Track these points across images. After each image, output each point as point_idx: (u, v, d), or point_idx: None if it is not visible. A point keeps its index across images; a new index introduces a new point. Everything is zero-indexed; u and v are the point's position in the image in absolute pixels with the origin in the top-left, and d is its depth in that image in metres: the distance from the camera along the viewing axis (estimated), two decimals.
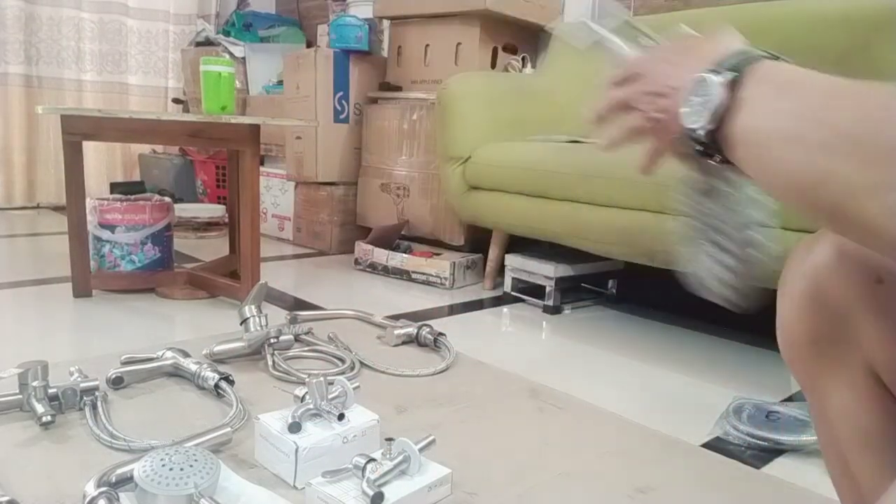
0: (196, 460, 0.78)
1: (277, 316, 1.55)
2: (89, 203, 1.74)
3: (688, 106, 0.46)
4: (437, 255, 2.16)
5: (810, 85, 0.40)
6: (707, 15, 1.97)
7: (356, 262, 2.23)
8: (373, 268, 2.18)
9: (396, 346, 1.43)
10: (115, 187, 2.91)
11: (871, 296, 0.46)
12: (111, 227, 1.76)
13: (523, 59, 2.34)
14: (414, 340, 1.45)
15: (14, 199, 3.15)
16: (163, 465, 0.76)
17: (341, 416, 0.89)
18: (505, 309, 1.87)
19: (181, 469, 0.76)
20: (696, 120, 0.45)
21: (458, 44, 2.28)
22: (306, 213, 2.60)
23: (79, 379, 1.03)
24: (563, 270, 1.84)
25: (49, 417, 0.95)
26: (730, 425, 1.09)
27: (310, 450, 0.84)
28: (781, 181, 0.40)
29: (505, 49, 2.34)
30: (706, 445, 1.05)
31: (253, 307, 1.30)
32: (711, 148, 0.46)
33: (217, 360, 1.25)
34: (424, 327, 1.45)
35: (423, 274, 2.05)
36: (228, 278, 1.78)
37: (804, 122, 0.38)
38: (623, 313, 1.87)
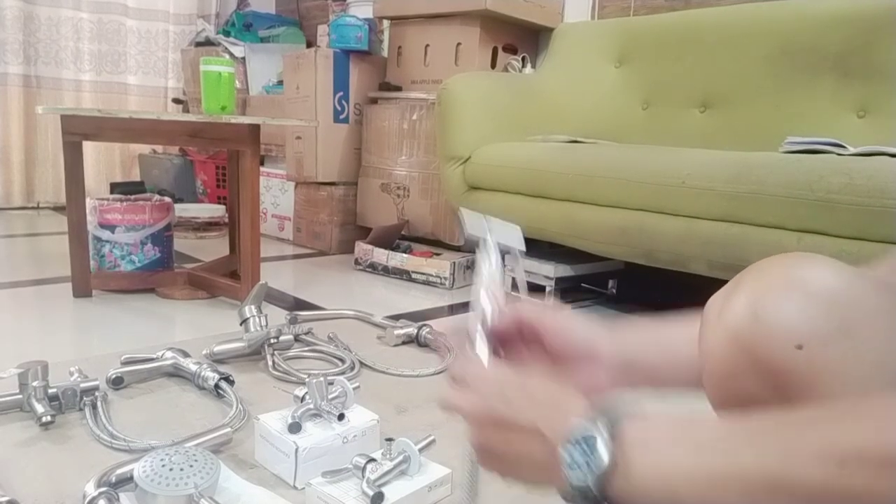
0: (196, 460, 0.78)
1: (277, 316, 1.55)
2: (89, 203, 1.74)
3: (569, 459, 0.42)
4: (437, 255, 2.16)
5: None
6: (707, 15, 1.96)
7: (356, 262, 2.23)
8: (373, 268, 2.18)
9: (396, 346, 1.43)
10: (114, 187, 2.91)
11: (792, 361, 0.42)
12: (111, 227, 1.76)
13: (523, 59, 2.34)
14: (414, 340, 1.45)
15: (13, 199, 3.15)
16: (163, 466, 0.76)
17: (341, 417, 0.89)
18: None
19: (181, 469, 0.76)
20: (582, 478, 0.41)
21: (458, 44, 2.28)
22: (306, 213, 2.60)
23: (79, 379, 1.03)
24: (563, 270, 1.84)
25: (49, 417, 0.95)
26: None
27: (310, 450, 0.84)
28: None
29: (505, 49, 2.34)
30: None
31: (253, 307, 1.30)
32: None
33: (217, 360, 1.25)
34: (424, 327, 1.45)
35: (423, 274, 2.05)
36: (228, 278, 1.78)
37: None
38: (623, 313, 1.86)
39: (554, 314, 0.62)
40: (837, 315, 0.41)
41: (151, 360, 1.18)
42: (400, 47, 2.45)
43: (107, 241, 1.77)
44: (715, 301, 0.50)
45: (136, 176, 3.41)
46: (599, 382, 0.58)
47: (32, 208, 3.21)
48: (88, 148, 2.90)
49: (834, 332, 0.41)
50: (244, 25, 3.37)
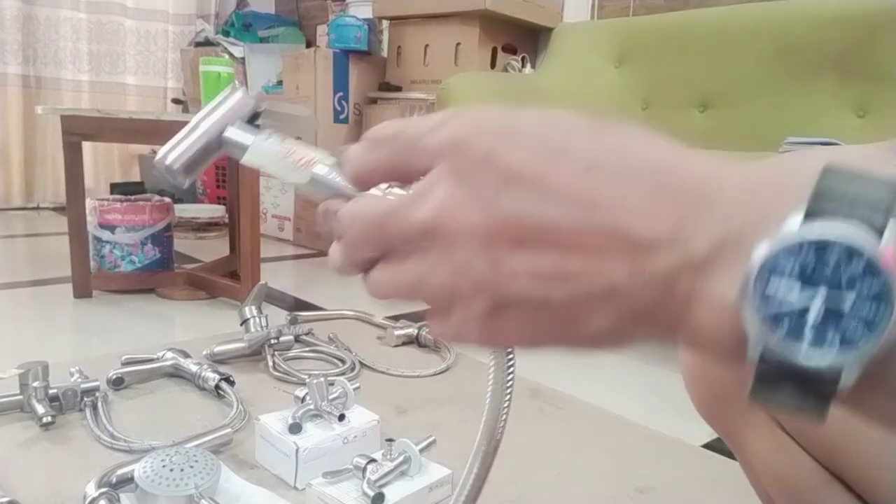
0: (196, 461, 0.78)
1: (278, 316, 1.55)
2: (89, 203, 1.74)
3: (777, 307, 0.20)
4: None
5: None
6: (707, 15, 1.96)
7: None
8: None
9: (396, 346, 1.43)
10: (114, 188, 2.91)
11: None
12: (111, 228, 1.76)
13: (523, 59, 2.34)
14: (414, 341, 1.45)
15: (13, 200, 3.15)
16: (163, 466, 0.76)
17: (342, 417, 0.89)
18: None
19: (181, 470, 0.76)
20: (837, 354, 0.20)
21: (458, 44, 2.28)
22: (306, 213, 2.60)
23: (79, 380, 1.03)
24: None
25: (49, 418, 0.95)
26: None
27: (310, 450, 0.84)
28: None
29: (505, 49, 2.34)
30: (706, 446, 1.05)
31: (253, 308, 1.30)
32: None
33: (217, 360, 1.25)
34: (424, 328, 1.45)
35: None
36: (228, 279, 1.78)
37: None
38: None
39: None
40: None
41: (152, 360, 1.18)
42: (399, 47, 2.45)
43: (107, 242, 1.77)
44: None
45: (135, 176, 3.40)
46: None
47: (32, 209, 3.21)
48: (88, 148, 2.89)
49: None
50: (243, 25, 3.37)
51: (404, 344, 1.45)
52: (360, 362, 1.30)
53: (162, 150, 0.39)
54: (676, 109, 1.98)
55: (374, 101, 2.46)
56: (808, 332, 0.20)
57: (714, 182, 0.23)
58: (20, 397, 0.99)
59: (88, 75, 3.28)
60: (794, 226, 0.20)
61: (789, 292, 0.20)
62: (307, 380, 0.91)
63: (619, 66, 2.16)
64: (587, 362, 1.44)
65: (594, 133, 0.25)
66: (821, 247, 0.20)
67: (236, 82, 0.41)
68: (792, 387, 0.21)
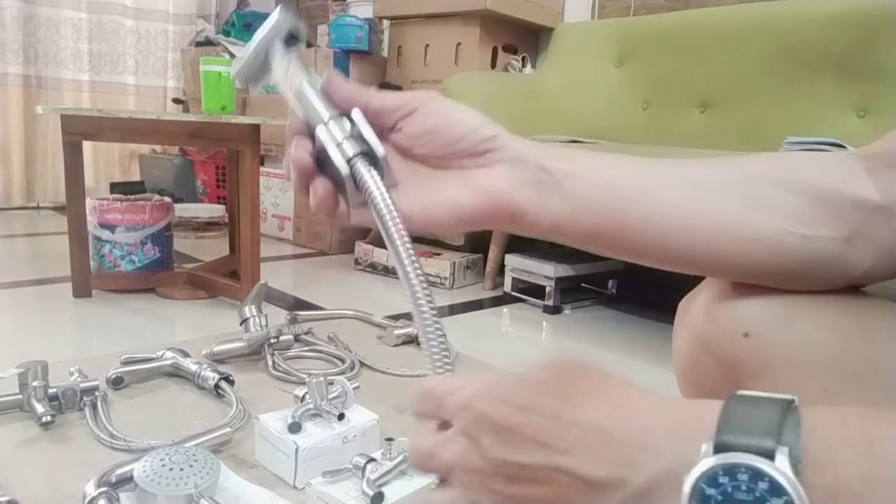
0: (196, 460, 0.78)
1: (277, 316, 1.55)
2: (89, 203, 1.74)
3: None
4: (437, 254, 2.15)
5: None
6: (707, 15, 1.96)
7: (356, 262, 2.23)
8: (373, 268, 2.18)
9: (396, 346, 1.43)
10: (114, 187, 2.91)
11: (740, 347, 0.45)
12: (111, 227, 1.76)
13: (523, 59, 2.34)
14: (414, 340, 1.45)
15: (13, 200, 3.15)
16: (163, 465, 0.76)
17: (341, 416, 0.89)
18: (505, 309, 1.87)
19: (181, 469, 0.76)
20: None
21: (458, 44, 2.28)
22: (306, 213, 2.60)
23: (79, 379, 1.03)
24: (563, 270, 1.84)
25: (49, 417, 0.95)
26: None
27: (310, 450, 0.84)
28: None
29: (505, 49, 2.34)
30: None
31: (253, 307, 1.30)
32: None
33: (217, 360, 1.25)
34: None
35: (424, 274, 2.04)
36: (228, 278, 1.78)
37: None
38: (623, 313, 1.87)
39: (423, 94, 0.43)
40: (779, 306, 0.44)
41: (151, 360, 1.18)
42: (400, 47, 2.45)
43: (107, 241, 1.77)
44: (682, 304, 0.54)
45: (135, 176, 3.40)
46: (499, 189, 0.42)
47: (32, 208, 3.21)
48: (88, 148, 2.90)
49: (776, 320, 0.44)
50: (244, 25, 3.37)
51: (404, 343, 1.45)
52: (359, 362, 1.30)
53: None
54: (676, 109, 1.98)
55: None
56: None
57: (649, 429, 0.30)
58: (20, 397, 0.99)
59: (89, 75, 3.28)
60: (707, 458, 0.26)
61: None
62: (307, 379, 0.91)
63: (620, 66, 2.16)
64: None
65: (557, 391, 0.33)
66: (729, 470, 0.26)
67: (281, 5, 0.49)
68: None
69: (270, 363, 1.24)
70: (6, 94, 3.06)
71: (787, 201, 0.41)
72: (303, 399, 0.90)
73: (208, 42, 3.26)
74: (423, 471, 0.37)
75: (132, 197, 1.86)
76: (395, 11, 2.42)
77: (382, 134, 0.43)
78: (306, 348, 1.36)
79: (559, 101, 2.16)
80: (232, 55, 3.07)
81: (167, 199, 1.89)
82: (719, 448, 0.26)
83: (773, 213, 0.41)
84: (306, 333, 1.41)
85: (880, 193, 0.41)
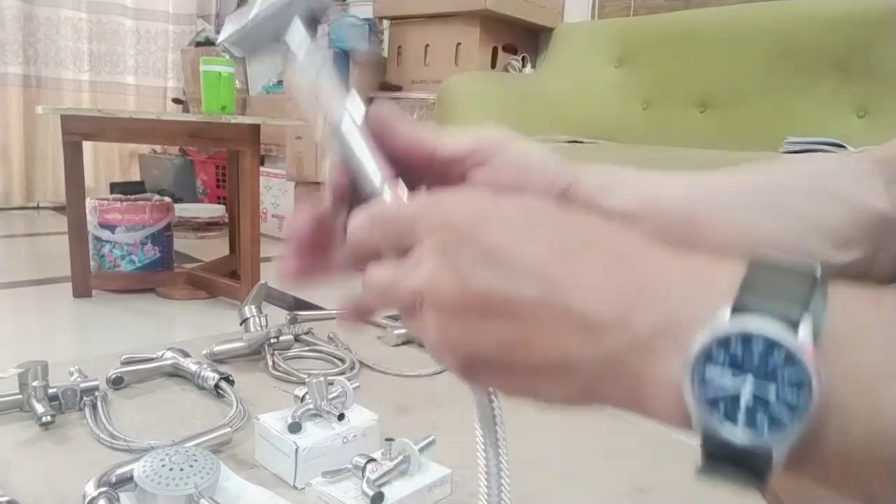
0: (196, 460, 0.78)
1: (277, 316, 1.55)
2: (89, 203, 1.74)
3: (713, 392, 0.23)
4: None
5: None
6: (707, 15, 1.96)
7: None
8: None
9: (396, 346, 1.43)
10: (114, 187, 2.91)
11: None
12: (111, 227, 1.76)
13: (523, 59, 2.34)
14: (414, 340, 1.45)
15: (13, 199, 3.15)
16: (163, 466, 0.76)
17: (341, 417, 0.89)
18: None
19: (181, 469, 0.76)
20: (767, 434, 0.23)
21: (458, 44, 2.28)
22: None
23: (79, 379, 1.03)
24: None
25: (49, 417, 0.95)
26: None
27: (310, 450, 0.84)
28: None
29: (505, 49, 2.34)
30: None
31: (253, 307, 1.30)
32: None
33: (217, 360, 1.25)
34: None
35: None
36: (228, 278, 1.78)
37: None
38: None
39: (497, 135, 0.37)
40: None
41: (151, 360, 1.18)
42: (400, 47, 2.45)
43: (107, 241, 1.77)
44: None
45: (135, 176, 3.40)
46: None
47: (32, 208, 3.21)
48: (88, 148, 2.90)
49: None
50: None
51: (404, 343, 1.44)
52: (359, 362, 1.30)
53: None
54: (676, 109, 1.98)
55: (374, 100, 2.47)
56: (741, 415, 0.23)
57: (659, 273, 0.26)
58: (20, 397, 0.99)
59: (89, 75, 3.29)
60: (723, 319, 0.23)
61: (723, 379, 0.23)
62: (307, 379, 0.91)
63: (620, 66, 2.16)
64: None
65: (560, 220, 0.28)
66: (746, 339, 0.23)
67: None
68: (731, 462, 0.24)
69: (270, 363, 1.24)
70: (6, 94, 3.06)
71: (836, 223, 0.37)
72: (303, 399, 0.90)
73: (208, 42, 3.26)
74: (381, 305, 0.31)
75: (132, 197, 1.86)
76: (395, 11, 2.42)
77: (446, 182, 0.36)
78: (306, 348, 1.36)
79: (559, 101, 2.16)
80: (232, 56, 3.07)
81: (167, 199, 1.89)
82: (738, 308, 0.23)
83: (825, 237, 0.37)
84: (306, 333, 1.41)
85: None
